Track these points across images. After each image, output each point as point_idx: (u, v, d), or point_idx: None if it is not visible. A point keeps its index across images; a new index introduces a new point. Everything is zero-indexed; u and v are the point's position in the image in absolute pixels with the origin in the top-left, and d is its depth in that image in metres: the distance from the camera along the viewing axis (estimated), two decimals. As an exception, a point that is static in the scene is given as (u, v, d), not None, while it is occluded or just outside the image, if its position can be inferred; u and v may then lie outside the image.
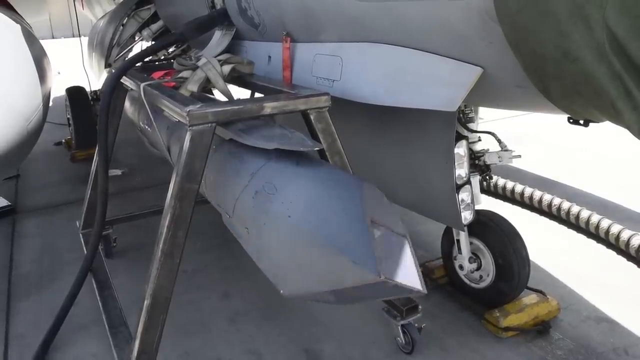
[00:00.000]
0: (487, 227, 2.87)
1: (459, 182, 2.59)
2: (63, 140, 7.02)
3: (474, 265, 2.93)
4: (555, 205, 4.02)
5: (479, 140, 2.90)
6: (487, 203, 3.58)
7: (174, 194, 2.05)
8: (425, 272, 3.26)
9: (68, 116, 6.66)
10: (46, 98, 3.34)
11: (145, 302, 2.11)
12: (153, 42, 5.63)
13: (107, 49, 5.56)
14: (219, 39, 3.60)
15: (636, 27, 1.29)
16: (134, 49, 5.99)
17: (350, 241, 1.58)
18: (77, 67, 6.96)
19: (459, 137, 2.58)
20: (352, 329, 2.93)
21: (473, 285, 3.01)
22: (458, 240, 2.93)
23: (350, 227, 1.60)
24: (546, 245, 3.63)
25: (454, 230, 2.93)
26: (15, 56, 3.10)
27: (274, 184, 1.86)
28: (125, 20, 5.61)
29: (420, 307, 2.68)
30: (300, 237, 1.67)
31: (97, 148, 2.97)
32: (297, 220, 1.70)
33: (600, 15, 1.34)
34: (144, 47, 5.03)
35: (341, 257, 1.56)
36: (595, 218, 3.74)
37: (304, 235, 1.66)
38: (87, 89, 6.69)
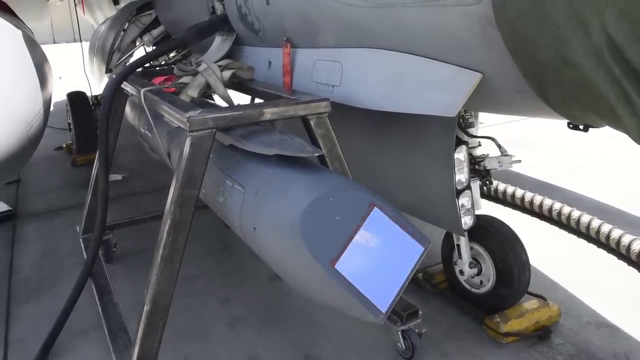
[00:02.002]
0: (488, 232, 2.87)
1: (459, 187, 2.60)
2: (64, 145, 7.03)
3: (475, 270, 2.93)
4: (555, 210, 4.02)
5: (479, 145, 2.90)
6: (488, 208, 3.57)
7: (174, 199, 2.05)
8: (426, 277, 3.26)
9: (69, 121, 6.67)
10: (47, 103, 3.34)
11: (145, 308, 2.11)
12: (154, 48, 5.64)
13: (108, 54, 5.58)
14: (219, 44, 3.61)
15: (635, 33, 1.30)
16: (134, 54, 6.01)
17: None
18: (78, 72, 6.98)
19: (459, 142, 2.59)
20: (351, 334, 2.92)
21: (473, 290, 3.01)
22: (458, 245, 2.93)
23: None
24: (547, 250, 3.63)
25: (454, 235, 2.93)
26: (16, 62, 3.10)
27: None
28: (126, 26, 5.63)
29: (420, 312, 2.68)
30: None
31: (97, 153, 2.98)
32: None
33: (598, 21, 1.34)
34: (144, 53, 5.05)
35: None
36: (595, 223, 3.73)
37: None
38: (88, 94, 6.70)
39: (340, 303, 1.65)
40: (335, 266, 1.58)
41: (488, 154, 2.91)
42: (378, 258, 1.65)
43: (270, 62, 3.23)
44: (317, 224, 1.64)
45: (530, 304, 2.92)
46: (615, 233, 3.58)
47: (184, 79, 2.75)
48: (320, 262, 1.57)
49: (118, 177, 5.66)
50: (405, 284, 1.67)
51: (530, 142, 6.15)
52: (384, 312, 1.59)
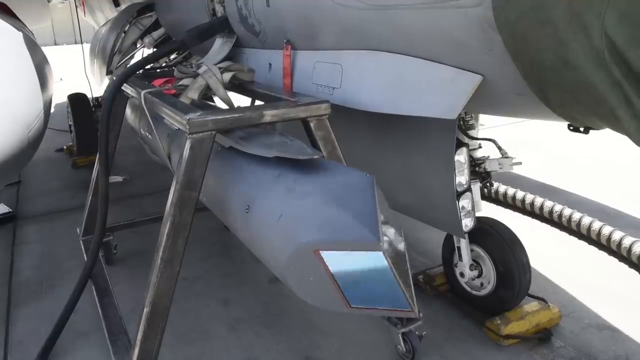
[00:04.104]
0: (488, 234, 2.86)
1: (459, 190, 2.59)
2: (64, 147, 7.03)
3: (475, 273, 2.92)
4: (556, 212, 4.01)
5: (480, 147, 2.90)
6: (488, 210, 3.57)
7: (174, 201, 2.05)
8: (426, 279, 3.26)
9: (69, 123, 6.67)
10: (47, 105, 3.35)
11: (145, 310, 2.11)
12: (154, 50, 5.65)
13: (109, 56, 5.58)
14: (219, 46, 3.61)
15: (635, 35, 1.30)
16: (135, 56, 6.01)
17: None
18: (79, 73, 6.98)
19: (460, 144, 2.59)
20: (352, 336, 2.92)
21: (474, 292, 3.00)
22: (459, 248, 2.92)
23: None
24: (547, 252, 3.63)
25: (454, 237, 2.93)
26: (17, 64, 3.11)
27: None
28: (127, 28, 5.63)
29: (421, 314, 2.67)
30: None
31: (98, 155, 2.98)
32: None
33: (599, 23, 1.34)
34: (145, 55, 5.06)
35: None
36: (596, 225, 3.72)
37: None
38: (89, 96, 6.71)
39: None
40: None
41: (489, 156, 2.91)
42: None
43: (270, 64, 3.24)
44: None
45: (530, 306, 2.92)
46: (616, 235, 3.57)
47: (184, 81, 2.76)
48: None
49: (118, 178, 5.67)
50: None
51: (531, 144, 6.15)
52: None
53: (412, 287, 1.68)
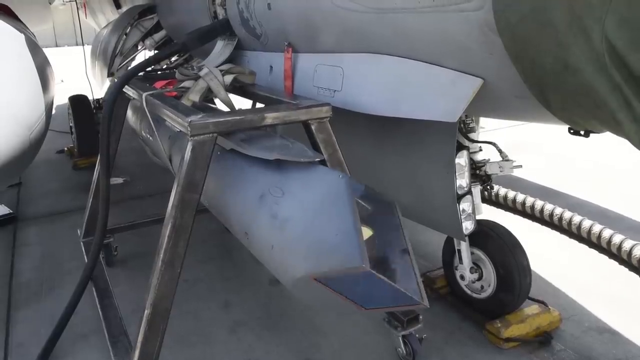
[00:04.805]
0: (489, 237, 2.86)
1: (460, 192, 2.60)
2: (65, 148, 7.04)
3: (475, 275, 2.92)
4: (556, 215, 4.01)
5: (480, 150, 2.90)
6: (489, 213, 3.57)
7: (175, 203, 2.05)
8: (427, 282, 3.26)
9: (70, 124, 6.68)
10: (49, 107, 3.35)
11: (146, 312, 2.11)
12: (156, 52, 5.66)
13: (110, 58, 5.59)
14: (221, 48, 3.62)
15: (635, 39, 1.30)
16: (136, 58, 6.02)
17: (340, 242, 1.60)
18: (80, 75, 7.00)
19: (460, 147, 2.59)
20: (352, 339, 2.92)
21: (474, 295, 3.00)
22: (459, 250, 2.92)
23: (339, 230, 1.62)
24: (548, 255, 3.62)
25: (455, 240, 2.93)
26: (19, 66, 3.12)
27: (275, 192, 1.87)
28: (128, 30, 5.64)
29: (421, 317, 2.67)
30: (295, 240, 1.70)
31: (99, 156, 2.98)
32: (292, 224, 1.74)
33: (599, 27, 1.35)
34: (146, 57, 5.07)
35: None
36: (597, 228, 3.72)
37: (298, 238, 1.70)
38: (90, 98, 6.72)
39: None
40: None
41: (489, 159, 2.91)
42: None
43: (271, 67, 3.24)
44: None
45: (531, 309, 2.92)
46: (617, 238, 3.57)
47: (186, 83, 2.76)
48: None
49: (119, 180, 5.66)
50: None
51: (532, 147, 6.15)
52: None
53: (418, 278, 1.70)
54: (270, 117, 2.17)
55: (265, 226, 1.87)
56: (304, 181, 1.85)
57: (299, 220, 1.73)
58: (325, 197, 1.71)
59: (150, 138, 3.26)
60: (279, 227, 1.79)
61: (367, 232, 1.70)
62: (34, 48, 3.67)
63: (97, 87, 6.61)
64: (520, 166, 2.87)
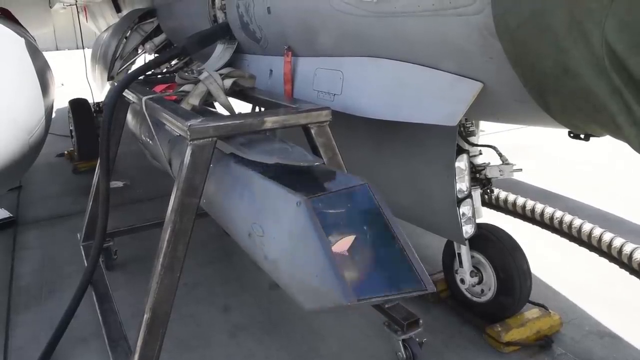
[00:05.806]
0: (489, 240, 2.86)
1: (460, 196, 2.59)
2: (65, 152, 7.04)
3: (476, 279, 2.92)
4: (557, 218, 4.01)
5: (480, 153, 2.90)
6: (489, 216, 3.57)
7: (175, 207, 2.05)
8: (427, 285, 3.25)
9: (71, 128, 6.68)
10: (49, 111, 3.35)
11: (145, 316, 2.10)
12: (156, 56, 5.67)
13: (110, 61, 5.60)
14: (220, 52, 3.63)
15: (635, 43, 1.30)
16: (136, 61, 6.03)
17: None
18: (80, 79, 7.01)
19: (460, 150, 2.59)
20: (352, 343, 2.91)
21: (474, 299, 3.00)
22: (459, 254, 2.92)
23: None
24: (548, 258, 3.62)
25: (455, 243, 2.92)
26: (19, 70, 3.11)
27: (257, 230, 1.89)
28: (128, 33, 5.66)
29: (421, 321, 2.67)
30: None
31: (98, 160, 2.98)
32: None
33: (599, 31, 1.35)
34: (146, 60, 5.08)
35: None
36: (597, 231, 3.73)
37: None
38: (90, 101, 6.73)
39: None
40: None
41: (489, 163, 2.91)
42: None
43: (271, 71, 3.25)
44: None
45: (531, 313, 2.91)
46: (617, 242, 3.57)
47: (186, 87, 2.76)
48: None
49: (119, 184, 5.67)
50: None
51: (532, 150, 6.15)
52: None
53: (417, 262, 1.69)
54: (270, 121, 2.17)
55: (262, 263, 1.89)
56: (275, 218, 1.81)
57: (284, 263, 1.74)
58: (294, 234, 1.68)
59: (150, 142, 3.26)
60: (274, 268, 1.80)
61: (347, 241, 1.66)
62: (34, 52, 3.67)
63: (97, 91, 6.62)
64: (521, 169, 2.87)
